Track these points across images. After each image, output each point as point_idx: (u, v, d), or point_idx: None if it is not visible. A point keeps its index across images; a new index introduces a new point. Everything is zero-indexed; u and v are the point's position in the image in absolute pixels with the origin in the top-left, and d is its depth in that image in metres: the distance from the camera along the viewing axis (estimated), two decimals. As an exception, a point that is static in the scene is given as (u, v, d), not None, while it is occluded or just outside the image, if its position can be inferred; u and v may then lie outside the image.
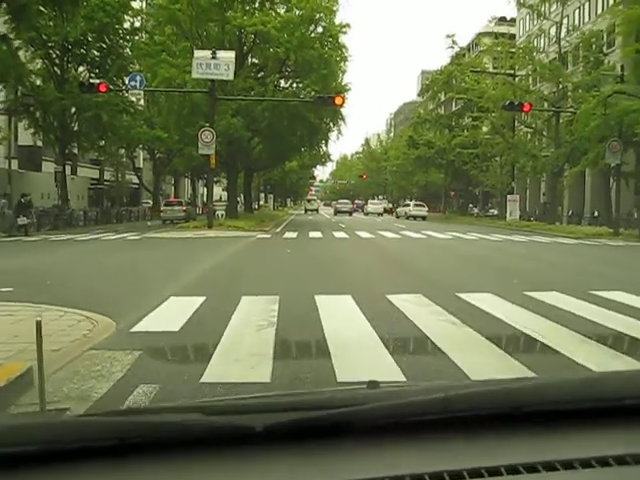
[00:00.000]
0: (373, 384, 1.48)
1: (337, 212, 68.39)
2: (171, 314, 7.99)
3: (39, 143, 38.62)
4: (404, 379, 4.97)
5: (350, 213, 67.18)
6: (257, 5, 37.67)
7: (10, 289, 9.72)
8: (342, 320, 7.61)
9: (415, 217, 54.24)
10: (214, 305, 8.69)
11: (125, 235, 26.72)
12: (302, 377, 5.07)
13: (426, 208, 57.67)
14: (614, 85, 31.87)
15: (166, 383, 4.87)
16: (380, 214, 65.58)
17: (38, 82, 34.53)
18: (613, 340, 6.46)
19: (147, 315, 7.84)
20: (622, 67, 33.04)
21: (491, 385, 1.49)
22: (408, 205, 62.23)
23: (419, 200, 69.20)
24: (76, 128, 35.64)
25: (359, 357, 5.96)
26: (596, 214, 41.90)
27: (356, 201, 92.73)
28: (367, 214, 66.59)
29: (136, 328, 7.09)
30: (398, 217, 59.13)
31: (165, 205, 41.74)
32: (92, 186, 49.47)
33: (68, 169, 38.30)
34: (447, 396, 1.32)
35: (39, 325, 3.55)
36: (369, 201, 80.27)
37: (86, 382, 4.91)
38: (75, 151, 40.81)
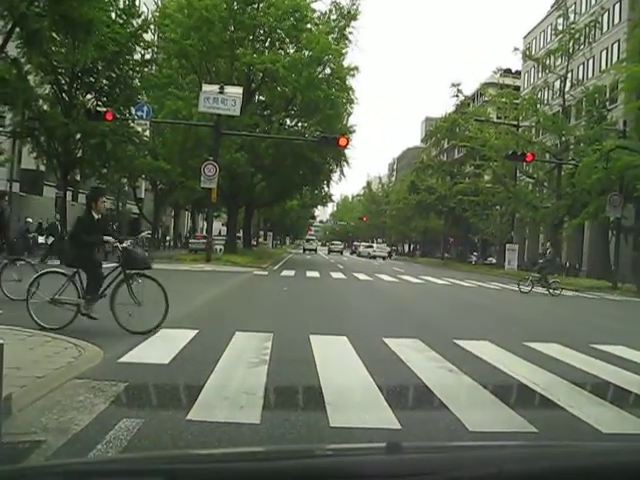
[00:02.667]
0: (394, 447, 1.28)
1: (330, 251, 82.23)
2: (161, 346, 7.79)
3: (42, 167, 38.59)
4: (399, 427, 4.77)
5: (341, 252, 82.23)
6: (267, 44, 38.08)
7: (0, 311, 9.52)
8: (336, 362, 7.41)
9: (376, 257, 66.20)
10: (206, 339, 8.49)
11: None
12: (293, 420, 4.86)
13: (388, 249, 73.03)
14: (616, 140, 32.05)
15: (151, 418, 4.66)
16: (373, 257, 68.91)
17: (45, 107, 34.62)
18: (616, 396, 6.26)
19: (137, 346, 7.63)
20: (624, 123, 33.25)
21: (549, 459, 1.27)
22: (371, 246, 75.99)
23: (418, 245, 69.62)
24: (80, 155, 35.65)
25: (353, 401, 5.77)
26: (583, 267, 41.82)
27: (354, 243, 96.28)
28: (359, 255, 75.29)
29: (124, 358, 6.88)
30: (360, 256, 71.59)
31: (193, 238, 50.10)
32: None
33: (69, 195, 38.20)
34: (502, 471, 1.12)
35: (1, 348, 3.35)
36: (360, 243, 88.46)
37: (67, 413, 4.70)
38: (77, 177, 40.80)
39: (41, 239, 28.58)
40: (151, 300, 8.86)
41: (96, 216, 9.37)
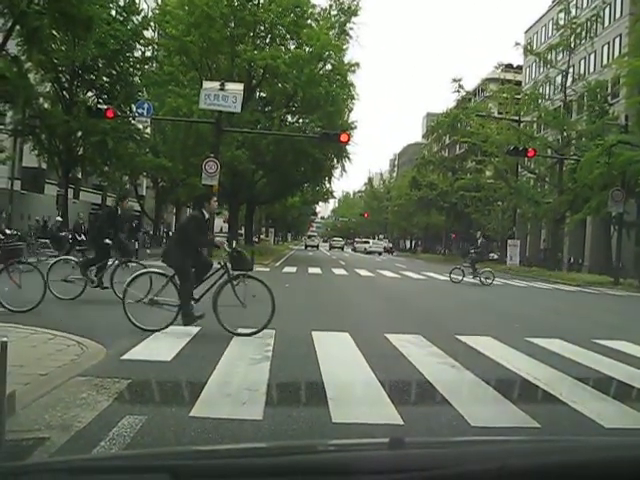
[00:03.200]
0: (397, 442, 1.27)
1: (331, 247, 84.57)
2: (164, 343, 7.80)
3: (43, 165, 38.61)
4: (402, 423, 4.78)
5: (342, 248, 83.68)
6: (268, 40, 38.03)
7: (0, 309, 9.53)
8: (339, 358, 7.42)
9: (373, 252, 68.91)
10: (208, 336, 8.49)
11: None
12: (296, 416, 4.86)
13: (383, 245, 76.03)
14: (618, 135, 31.99)
15: (153, 415, 4.66)
16: (369, 252, 71.16)
17: (46, 105, 34.61)
18: (618, 391, 6.26)
19: (139, 343, 7.65)
20: (626, 117, 33.17)
21: (552, 454, 1.26)
22: (367, 242, 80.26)
23: (420, 241, 69.80)
24: (81, 152, 35.65)
25: (355, 397, 5.78)
26: (585, 262, 41.78)
27: (355, 239, 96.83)
28: (355, 250, 78.69)
29: (127, 356, 6.89)
30: (356, 251, 75.13)
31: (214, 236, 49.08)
32: (93, 211, 49.42)
33: (71, 193, 38.21)
34: (505, 465, 1.12)
35: (4, 346, 3.35)
36: (356, 239, 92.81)
37: (70, 410, 4.70)
38: (79, 175, 40.81)
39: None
40: (257, 301, 8.87)
41: (207, 216, 9.43)
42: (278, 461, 1.25)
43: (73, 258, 13.27)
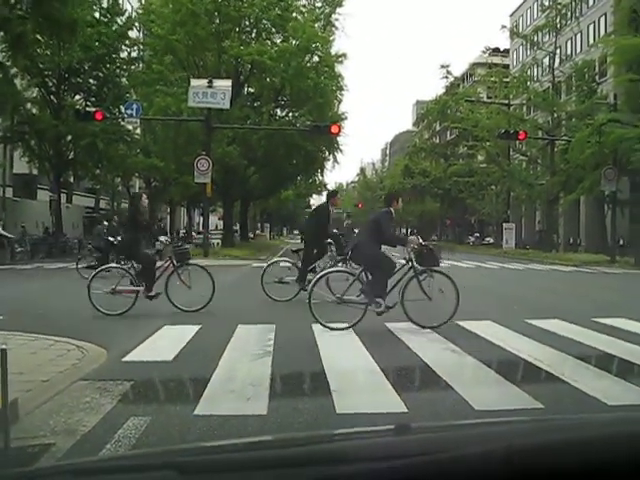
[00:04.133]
0: (403, 428, 1.28)
1: None
2: (165, 343, 7.79)
3: (35, 171, 38.51)
4: (406, 410, 4.79)
5: None
6: (254, 35, 37.90)
7: (0, 317, 9.51)
8: (340, 348, 7.44)
9: None
10: (209, 334, 8.50)
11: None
12: (300, 409, 4.87)
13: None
14: (608, 113, 32.03)
15: (158, 415, 4.67)
16: None
17: (34, 110, 34.51)
18: (619, 368, 6.29)
19: (140, 344, 7.63)
20: (615, 96, 33.23)
21: (558, 432, 1.26)
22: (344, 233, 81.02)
23: (415, 229, 69.79)
24: (71, 156, 35.57)
25: (358, 387, 5.80)
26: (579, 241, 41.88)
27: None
28: None
29: (128, 357, 6.89)
30: None
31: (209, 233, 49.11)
32: (87, 214, 49.32)
33: (63, 197, 38.14)
34: (510, 445, 1.12)
35: (4, 353, 3.34)
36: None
37: (74, 415, 4.70)
38: (70, 179, 40.71)
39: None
40: (442, 295, 9.11)
41: (394, 213, 9.84)
42: (283, 453, 1.25)
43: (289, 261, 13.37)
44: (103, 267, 11.92)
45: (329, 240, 12.55)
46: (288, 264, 13.33)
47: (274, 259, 14.89)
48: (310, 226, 13.38)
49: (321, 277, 9.81)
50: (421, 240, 9.74)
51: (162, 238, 11.41)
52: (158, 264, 11.23)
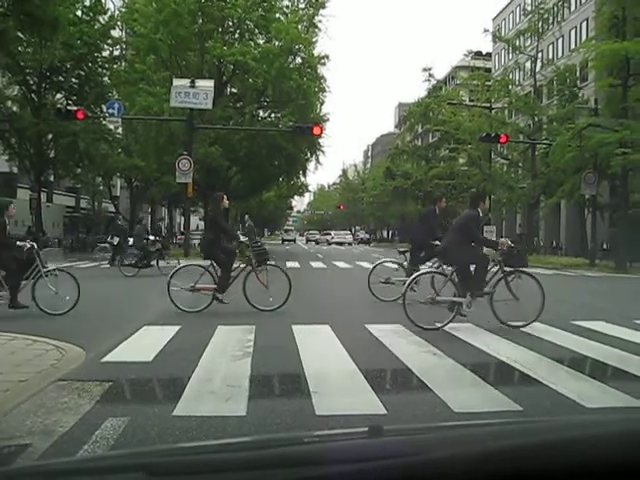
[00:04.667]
0: (376, 430, 1.27)
1: (308, 240, 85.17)
2: (144, 344, 7.75)
3: (15, 170, 38.17)
4: (385, 412, 4.80)
5: (317, 242, 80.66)
6: (237, 36, 37.86)
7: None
8: (320, 351, 7.43)
9: (339, 244, 68.88)
10: (189, 334, 8.46)
11: (99, 263, 26.34)
12: (279, 410, 4.86)
13: (350, 235, 76.36)
14: (588, 118, 32.26)
15: (136, 416, 4.64)
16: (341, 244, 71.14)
17: (14, 108, 34.21)
18: (597, 371, 6.34)
19: (119, 345, 7.59)
20: (596, 100, 33.46)
21: (535, 434, 1.27)
22: (329, 234, 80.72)
23: (397, 230, 69.90)
24: (52, 155, 35.30)
25: (338, 389, 5.78)
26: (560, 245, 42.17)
27: (333, 232, 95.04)
28: (317, 242, 78.12)
29: (107, 358, 6.84)
30: (318, 243, 74.99)
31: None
32: (68, 214, 48.95)
33: (44, 196, 37.81)
34: (480, 453, 1.11)
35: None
36: (334, 232, 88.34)
37: (51, 415, 4.66)
38: (51, 178, 40.40)
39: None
40: (529, 295, 9.49)
41: (481, 214, 10.17)
42: (256, 455, 1.25)
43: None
44: (183, 265, 12.21)
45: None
46: (395, 265, 13.58)
47: (382, 259, 14.83)
48: (419, 230, 13.46)
49: (414, 278, 10.04)
50: (510, 242, 9.98)
51: (242, 239, 11.67)
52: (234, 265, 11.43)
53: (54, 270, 10.79)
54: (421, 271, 10.89)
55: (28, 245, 10.33)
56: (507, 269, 9.59)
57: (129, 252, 20.81)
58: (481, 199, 10.39)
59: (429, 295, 9.57)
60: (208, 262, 11.28)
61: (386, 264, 14.13)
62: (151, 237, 21.42)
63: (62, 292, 10.41)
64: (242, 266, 11.37)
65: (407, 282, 9.88)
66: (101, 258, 29.28)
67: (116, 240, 23.82)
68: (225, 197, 11.93)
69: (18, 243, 10.36)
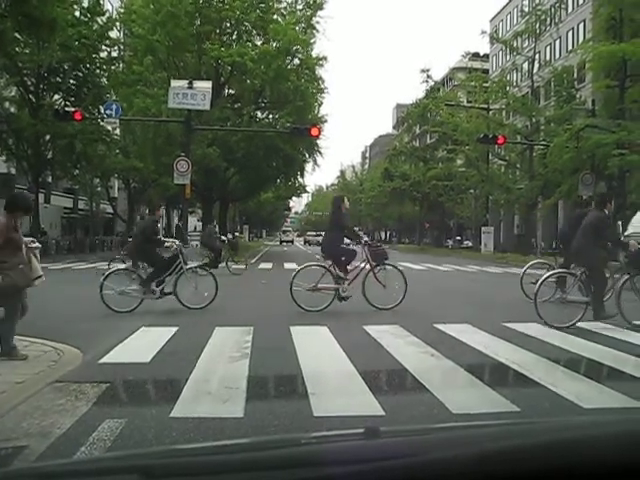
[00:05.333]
0: (372, 431, 1.27)
1: (306, 242, 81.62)
2: (142, 345, 7.74)
3: (12, 171, 38.13)
4: (383, 413, 4.79)
5: (318, 243, 76.09)
6: (234, 37, 37.87)
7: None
8: (318, 351, 7.43)
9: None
10: (187, 336, 8.45)
11: (97, 265, 26.29)
12: (277, 412, 4.85)
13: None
14: (586, 119, 32.31)
15: (134, 418, 4.63)
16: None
17: (12, 109, 34.18)
18: (595, 372, 6.34)
19: (116, 346, 7.58)
20: (593, 102, 33.53)
21: (533, 435, 1.26)
22: (321, 235, 78.31)
23: (395, 232, 69.71)
24: (50, 156, 35.27)
25: (336, 390, 5.77)
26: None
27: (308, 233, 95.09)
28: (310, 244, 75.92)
29: (104, 359, 6.83)
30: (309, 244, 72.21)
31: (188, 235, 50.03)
32: (65, 215, 48.95)
33: (41, 197, 37.79)
34: (477, 454, 1.10)
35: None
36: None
37: (48, 417, 4.65)
38: (49, 179, 40.38)
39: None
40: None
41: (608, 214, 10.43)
42: (252, 456, 1.24)
43: None
44: (305, 266, 12.24)
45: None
46: (545, 267, 14.19)
47: (534, 261, 15.61)
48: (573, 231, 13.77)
49: (544, 280, 10.28)
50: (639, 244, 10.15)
51: (365, 239, 12.35)
52: (354, 264, 11.84)
53: (195, 268, 12.01)
54: (550, 272, 11.27)
55: (175, 244, 11.60)
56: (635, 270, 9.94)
57: (200, 253, 21.10)
58: (607, 200, 10.61)
59: (559, 294, 10.23)
60: (329, 262, 11.75)
61: (536, 266, 14.66)
62: (223, 237, 22.09)
63: (201, 288, 11.49)
64: (362, 266, 11.81)
65: (538, 283, 10.18)
66: (96, 259, 29.24)
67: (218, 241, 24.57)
68: (346, 198, 13.15)
69: (166, 243, 11.69)
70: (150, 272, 11.45)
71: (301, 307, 11.01)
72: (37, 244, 8.79)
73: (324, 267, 11.63)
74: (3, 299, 6.84)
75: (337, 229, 11.88)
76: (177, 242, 11.78)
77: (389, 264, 12.02)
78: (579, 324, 9.66)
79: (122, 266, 12.80)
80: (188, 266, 11.67)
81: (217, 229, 28.76)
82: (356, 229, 14.09)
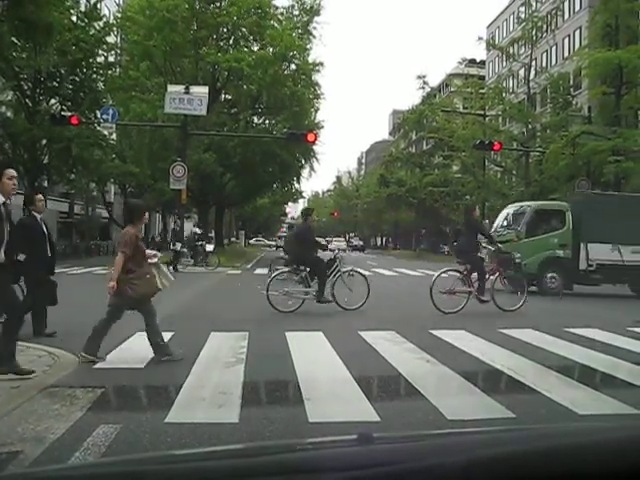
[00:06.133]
0: (365, 437, 1.27)
1: None
2: (137, 350, 7.71)
3: (8, 175, 38.03)
4: (378, 419, 4.78)
5: None
6: (231, 42, 37.92)
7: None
8: (313, 357, 7.42)
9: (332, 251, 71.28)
10: (182, 341, 8.42)
11: (93, 269, 26.26)
12: (272, 418, 4.84)
13: (344, 243, 72.09)
14: (582, 126, 32.40)
15: (128, 423, 4.61)
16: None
17: (8, 113, 34.13)
18: (591, 378, 6.34)
19: (112, 351, 7.55)
20: (589, 108, 33.63)
21: (528, 442, 1.27)
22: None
23: (390, 238, 69.83)
24: (46, 161, 35.19)
25: (331, 396, 5.76)
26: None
27: (327, 238, 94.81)
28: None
29: (99, 364, 6.82)
30: None
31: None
32: (61, 219, 48.81)
33: (37, 202, 37.68)
34: (470, 461, 1.11)
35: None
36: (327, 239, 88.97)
37: (43, 422, 4.63)
38: (45, 184, 40.28)
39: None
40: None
41: None
42: (245, 462, 1.24)
43: None
44: (445, 270, 13.10)
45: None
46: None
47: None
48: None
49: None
50: None
51: (488, 246, 13.15)
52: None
53: (350, 271, 12.76)
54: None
55: (336, 250, 13.06)
56: None
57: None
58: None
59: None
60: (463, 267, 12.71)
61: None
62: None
63: (355, 290, 12.26)
64: (491, 269, 12.81)
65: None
66: (92, 264, 29.20)
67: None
68: (475, 209, 14.39)
69: (330, 247, 13.12)
70: (317, 277, 12.23)
71: (439, 309, 11.98)
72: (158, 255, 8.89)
73: (459, 272, 12.69)
74: (136, 305, 7.35)
75: (472, 235, 12.93)
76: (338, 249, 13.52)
77: (356, 271, 13.05)
78: (574, 330, 9.67)
79: (285, 269, 13.21)
80: (344, 269, 12.70)
81: (198, 234, 29.70)
82: (322, 240, 14.72)
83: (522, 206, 20.65)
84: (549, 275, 17.77)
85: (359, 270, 13.36)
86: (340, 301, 12.27)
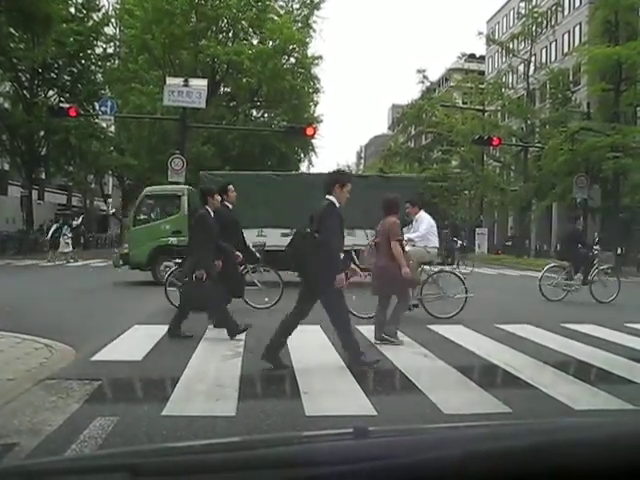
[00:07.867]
0: (361, 431, 1.26)
1: None
2: (134, 342, 7.72)
3: (6, 167, 37.99)
4: (375, 413, 4.79)
5: None
6: (231, 35, 37.85)
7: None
8: (310, 351, 7.41)
9: None
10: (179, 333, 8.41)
11: (90, 262, 26.23)
12: (269, 411, 4.84)
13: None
14: (581, 122, 32.40)
15: (125, 416, 4.61)
16: None
17: (6, 105, 34.07)
18: (587, 374, 6.34)
19: (109, 343, 7.55)
20: (588, 104, 33.62)
21: (523, 436, 1.26)
22: None
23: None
24: (44, 152, 35.16)
25: (328, 389, 5.76)
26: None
27: None
28: None
29: (97, 357, 6.81)
30: None
31: None
32: (59, 211, 48.77)
33: (35, 194, 37.65)
34: (466, 455, 1.10)
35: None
36: None
37: (39, 414, 4.63)
38: (42, 175, 40.24)
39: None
40: None
41: None
42: (241, 455, 1.24)
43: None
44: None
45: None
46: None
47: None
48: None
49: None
50: None
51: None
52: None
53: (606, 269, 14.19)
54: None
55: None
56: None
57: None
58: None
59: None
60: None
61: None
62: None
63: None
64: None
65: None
66: (89, 257, 29.17)
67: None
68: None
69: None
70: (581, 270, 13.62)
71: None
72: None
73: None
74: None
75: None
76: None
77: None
78: (569, 325, 9.68)
79: (561, 263, 14.45)
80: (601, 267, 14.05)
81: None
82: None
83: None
84: (164, 265, 14.98)
85: None
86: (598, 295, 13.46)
